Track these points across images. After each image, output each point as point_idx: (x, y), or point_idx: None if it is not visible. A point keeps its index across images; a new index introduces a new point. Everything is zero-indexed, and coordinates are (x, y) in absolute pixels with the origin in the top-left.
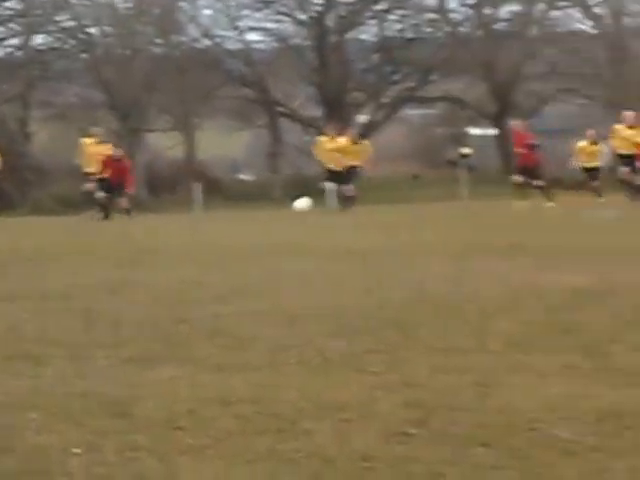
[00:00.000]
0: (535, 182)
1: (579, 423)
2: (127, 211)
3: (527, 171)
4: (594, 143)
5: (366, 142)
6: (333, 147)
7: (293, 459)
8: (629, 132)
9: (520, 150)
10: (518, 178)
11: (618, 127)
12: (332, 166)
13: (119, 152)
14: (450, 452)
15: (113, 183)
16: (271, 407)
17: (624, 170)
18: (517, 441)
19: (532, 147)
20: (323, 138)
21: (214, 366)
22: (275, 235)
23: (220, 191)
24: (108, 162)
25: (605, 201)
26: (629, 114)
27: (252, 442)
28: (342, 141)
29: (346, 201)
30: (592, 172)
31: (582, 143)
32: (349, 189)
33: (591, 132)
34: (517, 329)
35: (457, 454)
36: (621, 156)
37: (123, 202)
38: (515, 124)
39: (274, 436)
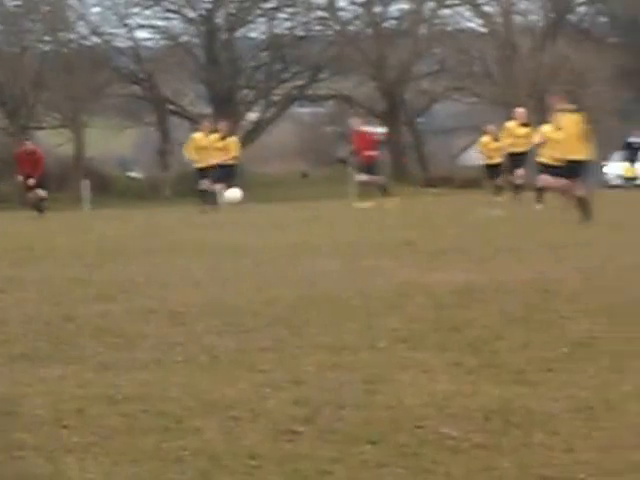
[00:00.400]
0: (363, 177)
1: (466, 421)
2: (41, 203)
3: (368, 169)
4: (496, 139)
5: (233, 139)
6: (204, 144)
7: (180, 457)
8: (522, 130)
9: (363, 148)
10: (362, 177)
11: (510, 125)
12: (203, 164)
13: (30, 145)
14: (337, 449)
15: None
16: (158, 405)
17: (519, 172)
18: (405, 438)
19: (377, 145)
20: (197, 135)
21: (101, 364)
22: (163, 233)
23: (109, 189)
24: (22, 156)
25: (502, 201)
26: (521, 111)
27: (138, 440)
28: (213, 138)
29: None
30: (495, 169)
31: (485, 139)
32: (219, 187)
33: (492, 127)
34: (405, 327)
35: (344, 451)
36: (513, 155)
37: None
38: (355, 122)
39: (160, 434)
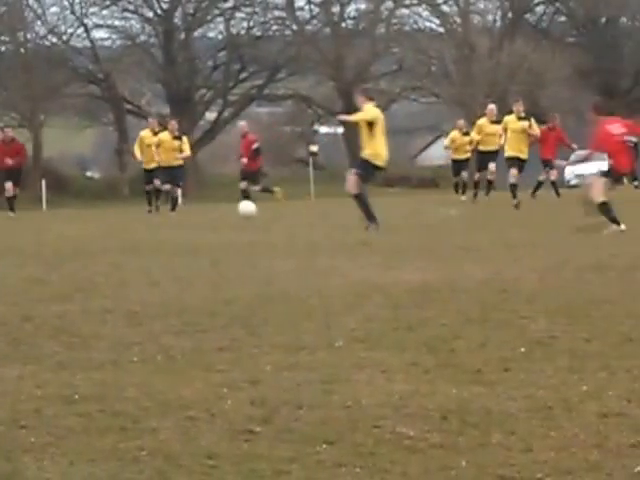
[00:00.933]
0: (255, 188)
1: (424, 420)
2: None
3: (248, 176)
4: (466, 134)
5: (185, 138)
6: (153, 142)
7: (136, 457)
8: (494, 127)
9: (244, 156)
10: (242, 184)
11: (481, 122)
12: (150, 165)
13: (10, 133)
14: (294, 449)
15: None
16: (114, 405)
17: (491, 168)
18: (362, 438)
19: (256, 152)
20: (144, 133)
21: (58, 364)
22: (121, 233)
23: (67, 189)
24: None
25: (464, 199)
26: (492, 107)
27: (95, 440)
28: (163, 136)
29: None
30: (461, 164)
31: (454, 134)
32: (175, 190)
33: (461, 122)
34: (362, 326)
35: (301, 451)
36: (483, 152)
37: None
38: (243, 125)
39: (117, 434)
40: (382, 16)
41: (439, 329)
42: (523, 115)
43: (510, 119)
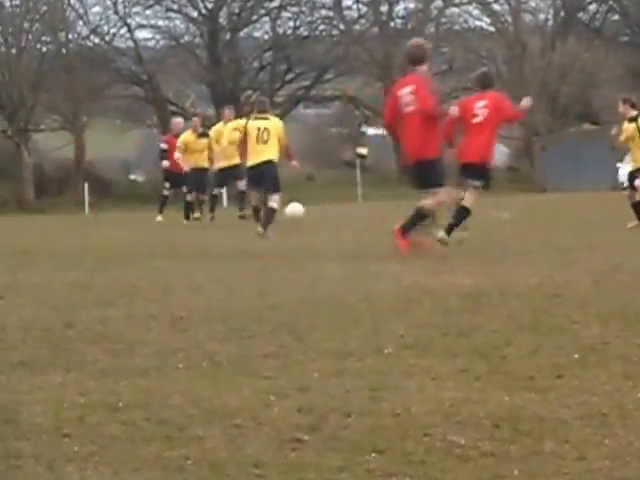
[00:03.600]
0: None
1: (475, 428)
2: None
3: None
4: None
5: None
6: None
7: (182, 466)
8: None
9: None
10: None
11: None
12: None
13: None
14: (343, 458)
15: None
16: (159, 413)
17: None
18: (412, 446)
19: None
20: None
21: (101, 371)
22: (165, 237)
23: (110, 192)
24: None
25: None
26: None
27: (139, 449)
28: (186, 137)
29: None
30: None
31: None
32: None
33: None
34: (411, 332)
35: (350, 460)
36: None
37: None
38: (177, 122)
39: (162, 443)
40: (431, 15)
41: (490, 335)
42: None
43: None
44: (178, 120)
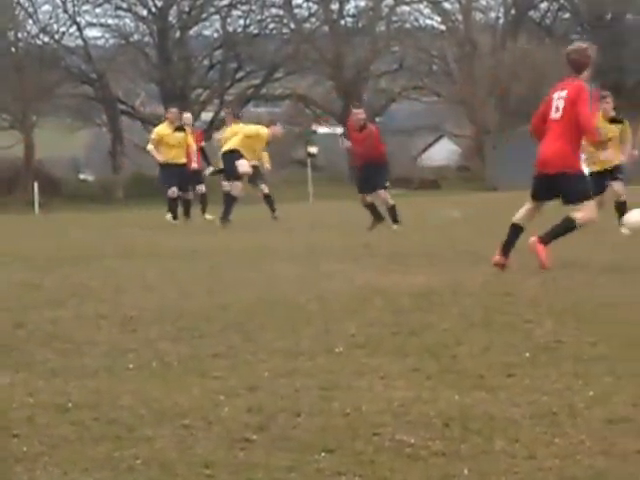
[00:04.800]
0: None
1: (425, 427)
2: None
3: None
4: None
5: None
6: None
7: (131, 466)
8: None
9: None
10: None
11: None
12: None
13: None
14: (292, 458)
15: None
16: (109, 413)
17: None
18: (362, 446)
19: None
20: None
21: (51, 371)
22: (116, 237)
23: (60, 191)
24: None
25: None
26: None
27: (89, 449)
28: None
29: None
30: None
31: None
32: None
33: None
34: (363, 331)
35: (300, 460)
36: None
37: None
38: (187, 117)
39: (112, 443)
40: (382, 13)
41: (441, 334)
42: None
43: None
44: (187, 115)
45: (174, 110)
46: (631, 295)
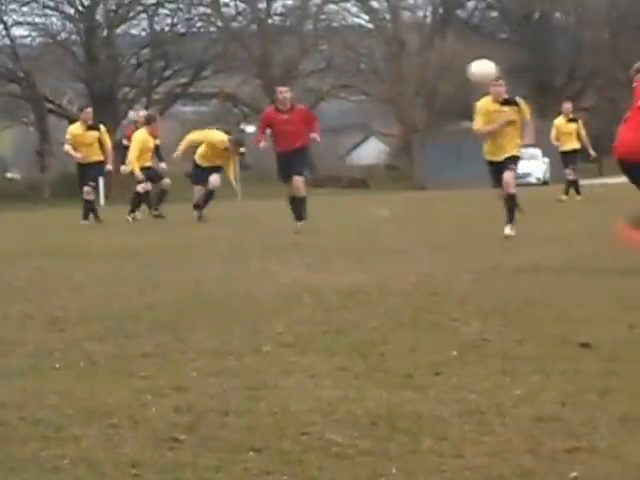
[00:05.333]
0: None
1: (353, 426)
2: None
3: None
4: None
5: (102, 128)
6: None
7: (58, 466)
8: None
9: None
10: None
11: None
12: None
13: None
14: (220, 457)
15: None
16: (35, 413)
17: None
18: (289, 445)
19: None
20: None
21: None
22: (43, 236)
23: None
24: None
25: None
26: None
27: (15, 449)
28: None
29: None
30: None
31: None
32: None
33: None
34: (291, 330)
35: (227, 459)
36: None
37: None
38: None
39: (38, 443)
40: (310, 12)
41: (369, 333)
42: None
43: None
44: (139, 113)
45: (89, 110)
46: (555, 293)
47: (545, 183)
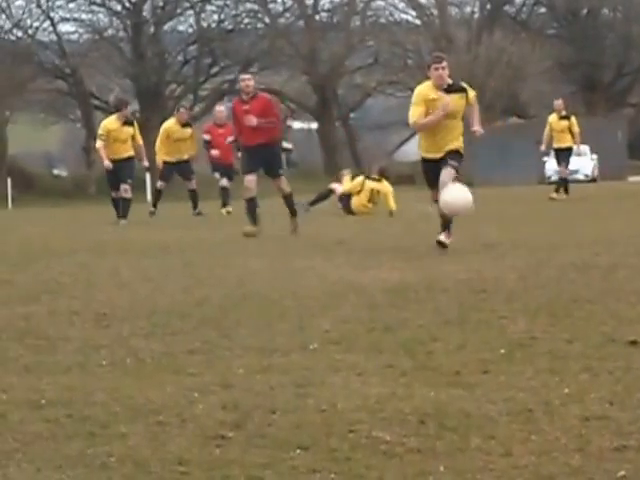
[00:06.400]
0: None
1: (400, 424)
2: None
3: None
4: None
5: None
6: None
7: (105, 464)
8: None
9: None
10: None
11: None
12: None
13: None
14: (267, 455)
15: None
16: (82, 410)
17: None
18: (337, 443)
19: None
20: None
21: (24, 368)
22: (89, 233)
23: (34, 187)
24: None
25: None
26: (559, 103)
27: (63, 446)
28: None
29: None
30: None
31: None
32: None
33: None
34: (337, 327)
35: (275, 457)
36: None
37: None
38: (219, 110)
39: (85, 440)
40: (357, 8)
41: (416, 330)
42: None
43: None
44: (220, 108)
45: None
46: (603, 291)
47: (593, 180)
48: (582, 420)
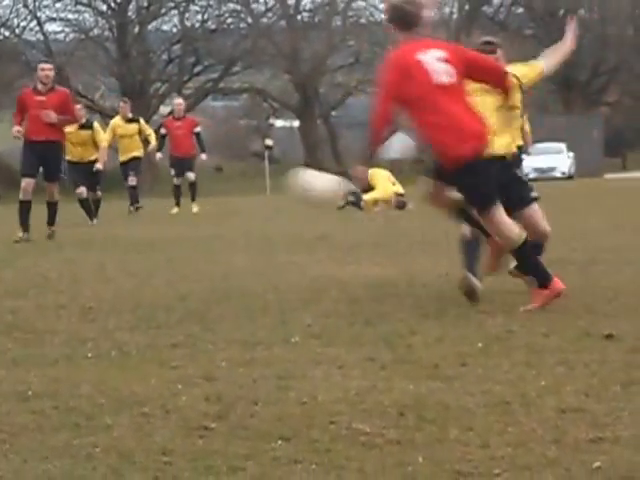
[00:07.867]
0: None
1: (380, 416)
2: None
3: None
4: None
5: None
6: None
7: (90, 454)
8: None
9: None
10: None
11: None
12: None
13: None
14: (250, 446)
15: None
16: (68, 402)
17: None
18: (318, 434)
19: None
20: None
21: (11, 361)
22: (75, 228)
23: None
24: None
25: None
26: None
27: (48, 437)
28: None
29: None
30: None
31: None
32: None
33: None
34: (319, 321)
35: (257, 448)
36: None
37: None
38: (177, 103)
39: (71, 431)
40: (338, 8)
41: (396, 324)
42: None
43: None
44: (179, 101)
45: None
46: (579, 286)
47: (570, 177)
48: (558, 412)
